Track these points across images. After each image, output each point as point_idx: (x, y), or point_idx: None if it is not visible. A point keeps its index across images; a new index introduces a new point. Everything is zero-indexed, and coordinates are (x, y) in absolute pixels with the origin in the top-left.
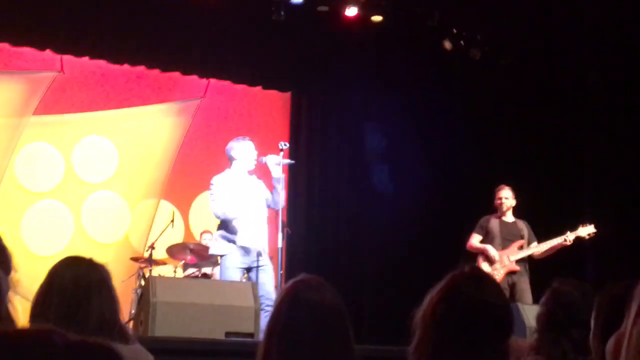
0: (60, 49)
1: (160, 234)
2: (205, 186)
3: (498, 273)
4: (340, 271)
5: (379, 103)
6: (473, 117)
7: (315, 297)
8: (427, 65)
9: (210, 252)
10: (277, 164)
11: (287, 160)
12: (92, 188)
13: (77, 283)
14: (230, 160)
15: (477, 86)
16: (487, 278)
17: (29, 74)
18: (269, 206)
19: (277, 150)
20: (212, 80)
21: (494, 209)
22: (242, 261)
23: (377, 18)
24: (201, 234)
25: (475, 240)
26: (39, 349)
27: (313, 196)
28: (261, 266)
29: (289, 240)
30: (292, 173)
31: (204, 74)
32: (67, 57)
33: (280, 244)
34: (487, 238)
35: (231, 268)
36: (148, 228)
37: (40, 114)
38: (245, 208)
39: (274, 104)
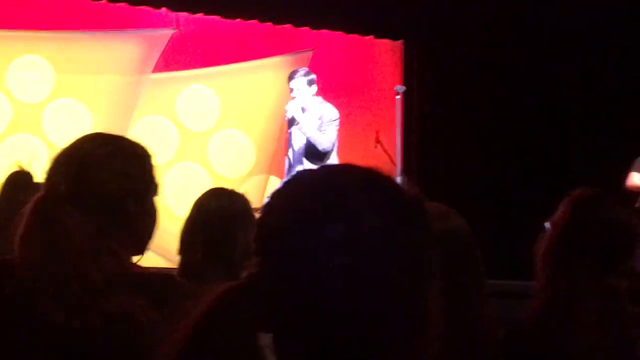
0: (175, 7)
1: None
2: None
3: None
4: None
5: (494, 52)
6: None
7: (446, 225)
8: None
9: None
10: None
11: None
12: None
13: (221, 214)
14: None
15: None
16: (607, 197)
17: (146, 32)
18: None
19: (394, 94)
20: (324, 32)
21: None
22: None
23: None
24: None
25: (636, 178)
26: None
27: (428, 145)
28: None
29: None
30: (406, 122)
31: (316, 25)
32: (183, 15)
33: None
34: None
35: None
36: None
37: (158, 71)
38: None
39: (385, 53)
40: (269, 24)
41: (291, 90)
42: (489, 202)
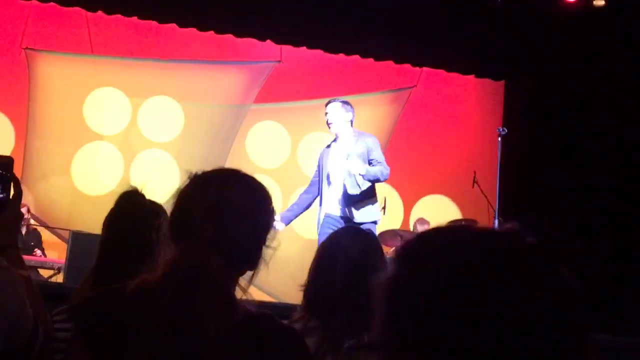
0: (279, 40)
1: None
2: (429, 182)
3: None
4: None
5: (597, 92)
6: None
7: None
8: None
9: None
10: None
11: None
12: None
13: (364, 252)
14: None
15: None
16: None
17: (251, 64)
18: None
19: (496, 136)
20: (425, 69)
21: None
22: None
23: (599, 2)
24: (415, 222)
25: None
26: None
27: (524, 186)
28: None
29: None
30: (505, 162)
31: (417, 62)
32: (286, 47)
33: None
34: None
35: None
36: None
37: (259, 102)
38: None
39: (486, 92)
40: (370, 59)
41: (326, 114)
42: (590, 253)
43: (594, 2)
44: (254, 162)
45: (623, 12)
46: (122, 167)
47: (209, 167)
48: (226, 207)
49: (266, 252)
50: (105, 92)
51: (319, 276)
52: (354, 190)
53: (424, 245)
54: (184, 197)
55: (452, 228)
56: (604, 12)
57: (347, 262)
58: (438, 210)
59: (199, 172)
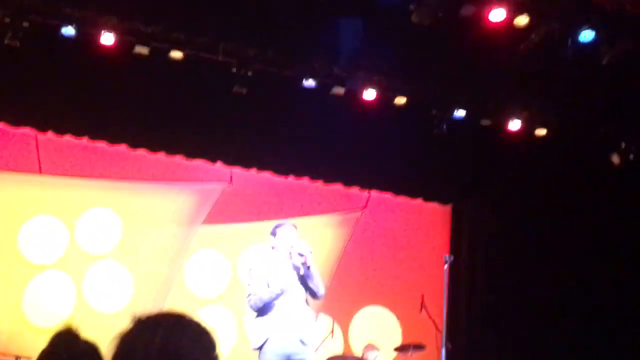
0: (229, 162)
1: (320, 344)
2: (367, 301)
3: None
4: None
5: (542, 218)
6: None
7: None
8: (594, 179)
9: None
10: (300, 253)
11: (308, 249)
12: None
13: None
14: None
15: None
16: None
17: (201, 185)
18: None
19: (442, 264)
20: (373, 193)
21: None
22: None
23: (541, 131)
24: (364, 348)
25: None
26: None
27: (475, 311)
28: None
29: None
30: (452, 286)
31: (365, 185)
32: (236, 170)
33: (443, 359)
34: None
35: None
36: None
37: (209, 223)
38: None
39: (434, 216)
40: (320, 181)
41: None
42: None
43: (536, 132)
44: (195, 294)
45: (565, 140)
46: (74, 290)
47: (158, 283)
48: (172, 355)
49: None
50: (40, 221)
51: None
52: None
53: None
54: (127, 342)
55: None
56: (545, 139)
57: None
58: (378, 322)
59: (144, 317)
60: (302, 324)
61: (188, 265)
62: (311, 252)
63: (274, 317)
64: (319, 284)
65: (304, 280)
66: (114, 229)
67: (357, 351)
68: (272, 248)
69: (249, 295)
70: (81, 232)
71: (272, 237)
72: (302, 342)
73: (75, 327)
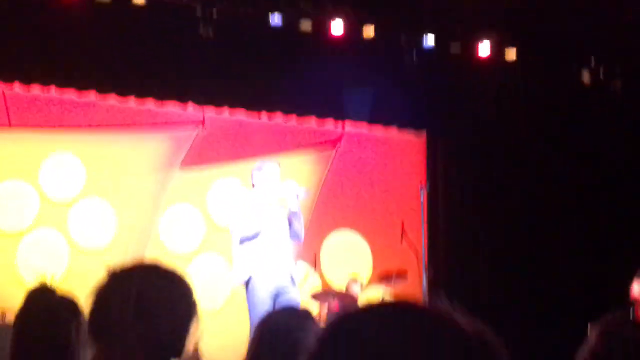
0: (201, 103)
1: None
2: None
3: None
4: (483, 311)
5: (517, 142)
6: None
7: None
8: (564, 101)
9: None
10: (293, 195)
11: (302, 189)
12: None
13: (296, 336)
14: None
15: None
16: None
17: (173, 131)
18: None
19: (418, 195)
20: (348, 128)
21: None
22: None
23: (511, 55)
24: (349, 281)
25: (636, 289)
26: None
27: (453, 240)
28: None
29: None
30: (431, 216)
31: (339, 117)
32: (209, 113)
33: (424, 286)
34: None
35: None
36: None
37: (186, 166)
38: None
39: (409, 147)
40: (293, 115)
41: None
42: (516, 301)
43: (506, 57)
44: (171, 250)
45: (533, 65)
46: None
47: (136, 233)
48: (148, 303)
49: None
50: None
51: None
52: None
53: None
54: (103, 295)
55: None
56: (515, 63)
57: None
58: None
59: (118, 269)
60: (290, 261)
61: (164, 217)
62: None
63: (261, 251)
64: (302, 228)
65: (290, 221)
66: (84, 179)
67: (334, 282)
68: (253, 185)
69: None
70: (49, 183)
71: (257, 171)
72: (292, 279)
73: (51, 281)
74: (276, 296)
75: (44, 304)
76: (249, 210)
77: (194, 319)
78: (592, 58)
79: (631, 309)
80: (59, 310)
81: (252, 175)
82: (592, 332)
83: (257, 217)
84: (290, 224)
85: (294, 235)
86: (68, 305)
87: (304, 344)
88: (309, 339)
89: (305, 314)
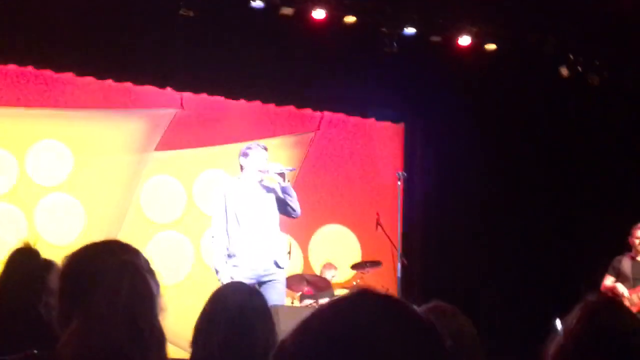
0: (179, 87)
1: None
2: (325, 220)
3: None
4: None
5: (493, 132)
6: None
7: (452, 326)
8: (543, 93)
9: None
10: (279, 172)
11: (288, 168)
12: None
13: (242, 310)
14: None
15: (596, 113)
16: (622, 305)
17: (151, 111)
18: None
19: (395, 180)
20: (326, 114)
21: (629, 247)
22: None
23: (490, 46)
24: (323, 266)
25: (607, 281)
26: None
27: (429, 226)
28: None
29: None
30: (407, 204)
31: (318, 106)
32: (187, 94)
33: (399, 274)
34: (618, 279)
35: None
36: None
37: (161, 149)
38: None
39: (387, 135)
40: (272, 104)
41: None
42: (492, 288)
43: (485, 47)
44: (152, 219)
45: (513, 54)
46: (25, 223)
47: (112, 212)
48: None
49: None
50: None
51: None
52: None
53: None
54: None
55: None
56: (495, 54)
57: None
58: (337, 241)
59: (69, 254)
60: (276, 246)
61: (143, 191)
62: (293, 169)
63: (244, 238)
64: (296, 202)
65: (281, 201)
66: (65, 159)
67: (317, 270)
68: (241, 168)
69: (213, 237)
70: (31, 163)
71: (242, 157)
72: (276, 264)
73: (33, 243)
74: (260, 282)
75: (27, 261)
76: (235, 206)
77: (159, 295)
78: (571, 50)
79: None
80: (40, 268)
81: (239, 158)
82: (568, 319)
83: (238, 205)
84: (287, 198)
85: (290, 210)
86: (49, 265)
87: (246, 316)
88: (255, 314)
89: (251, 290)
